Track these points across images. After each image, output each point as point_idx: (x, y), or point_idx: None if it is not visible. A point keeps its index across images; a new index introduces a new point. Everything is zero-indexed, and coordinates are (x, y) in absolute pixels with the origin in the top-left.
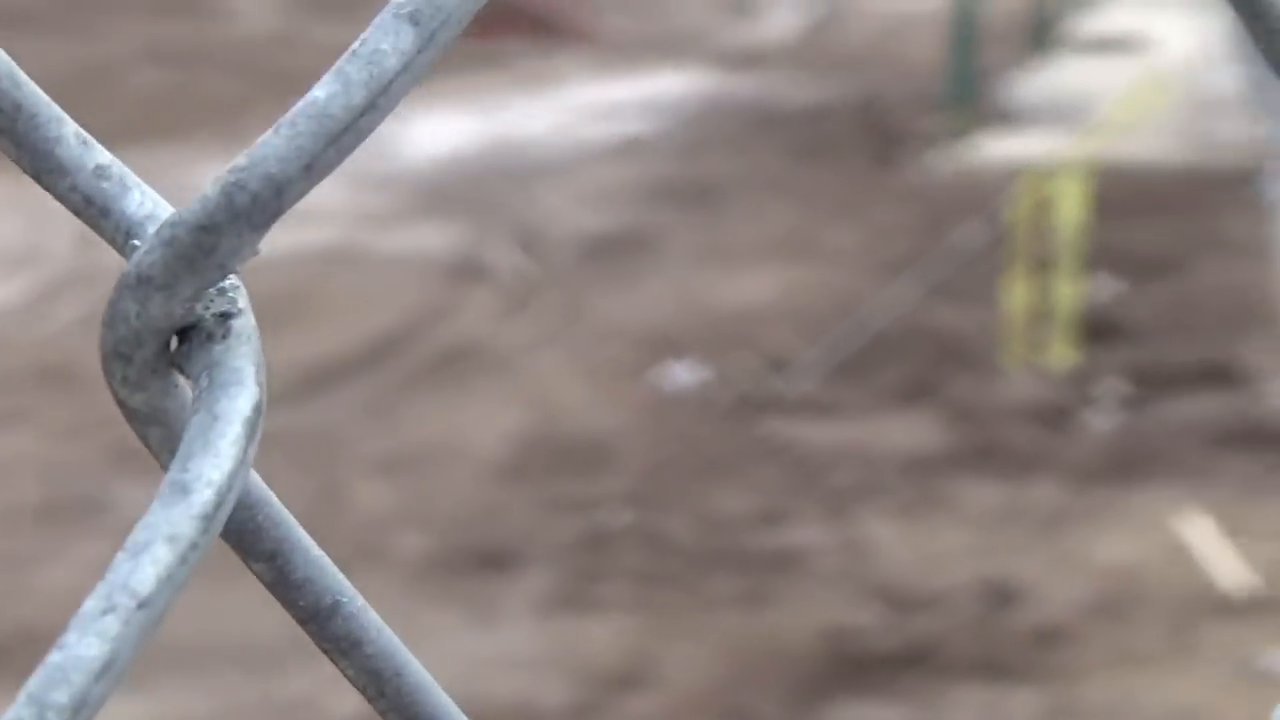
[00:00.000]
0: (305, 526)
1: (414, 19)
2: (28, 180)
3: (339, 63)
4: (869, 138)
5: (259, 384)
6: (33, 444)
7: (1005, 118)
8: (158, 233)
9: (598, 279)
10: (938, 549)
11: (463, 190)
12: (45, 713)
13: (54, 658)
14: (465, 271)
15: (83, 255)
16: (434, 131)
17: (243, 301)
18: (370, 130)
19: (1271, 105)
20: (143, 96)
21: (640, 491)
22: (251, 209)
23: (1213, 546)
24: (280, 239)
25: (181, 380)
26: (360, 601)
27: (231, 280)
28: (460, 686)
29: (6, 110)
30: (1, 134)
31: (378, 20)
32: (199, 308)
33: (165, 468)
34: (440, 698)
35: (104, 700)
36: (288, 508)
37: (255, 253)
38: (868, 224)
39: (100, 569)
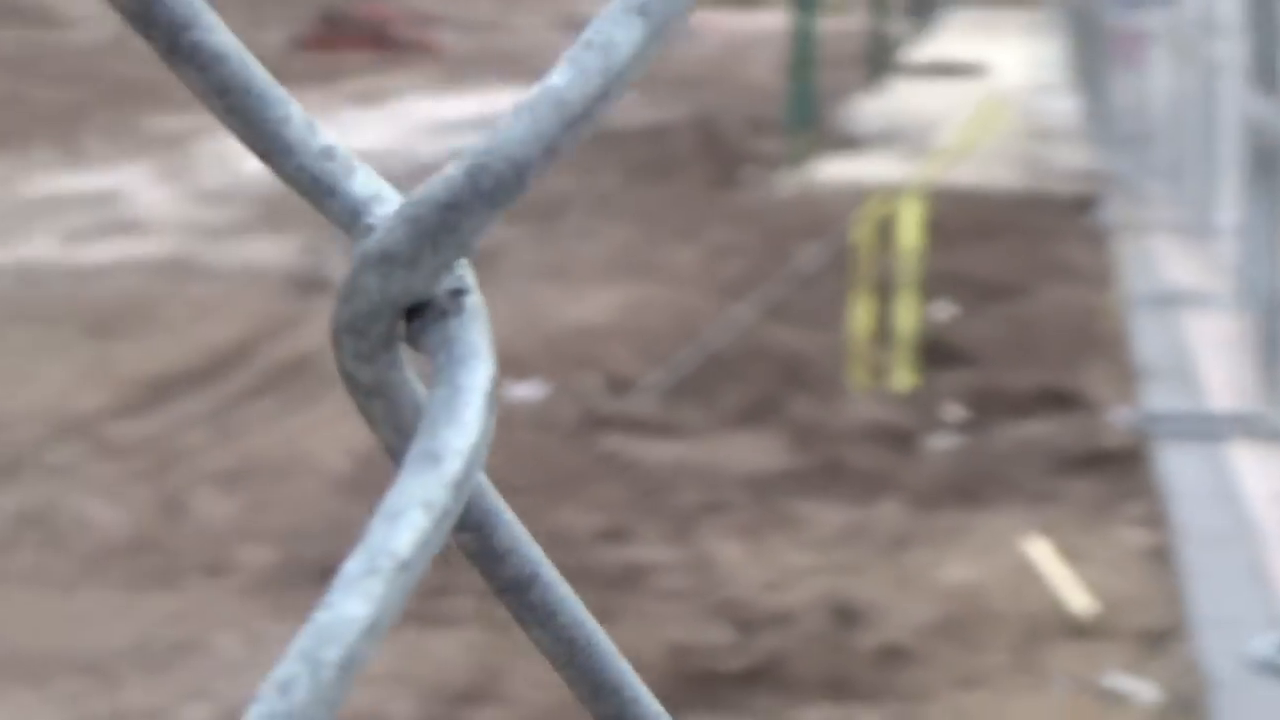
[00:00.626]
0: (146, 538)
1: (643, 10)
2: None
3: (572, 51)
4: (709, 158)
5: (493, 359)
6: None
7: (844, 141)
8: (400, 211)
9: None
10: (783, 568)
11: (299, 204)
12: (319, 669)
13: (322, 617)
14: (304, 284)
15: None
16: None
17: (470, 279)
18: (600, 117)
19: (1104, 133)
20: None
21: None
22: (495, 189)
23: (1054, 569)
24: (115, 250)
25: (404, 356)
26: (555, 573)
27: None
28: None
29: (236, 90)
30: (232, 114)
31: (608, 12)
32: (433, 284)
33: (384, 440)
34: (624, 668)
35: (369, 659)
36: (128, 519)
37: (488, 234)
38: (707, 244)
39: None
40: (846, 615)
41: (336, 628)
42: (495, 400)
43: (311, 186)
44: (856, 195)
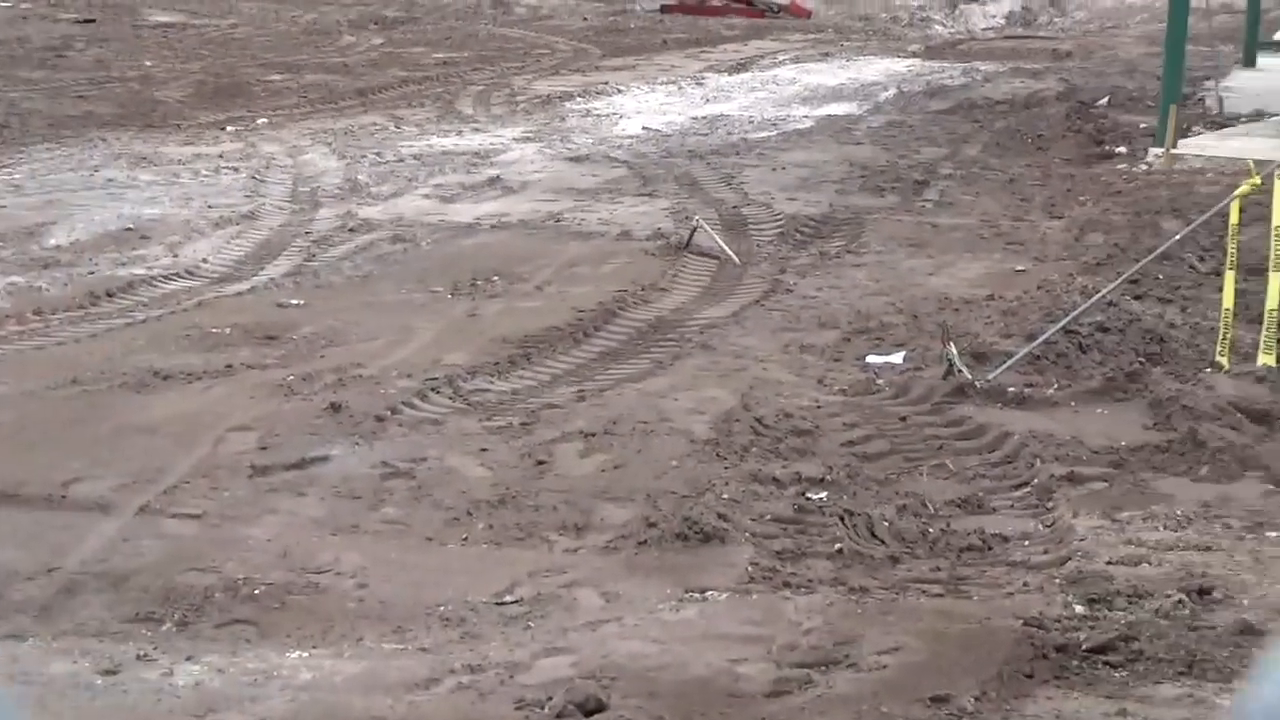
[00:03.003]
0: (509, 494)
1: None
2: None
3: None
4: (1077, 131)
5: None
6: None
7: (1217, 119)
8: None
9: (799, 260)
10: (1139, 543)
11: (666, 167)
12: None
13: None
14: (668, 248)
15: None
16: (638, 109)
17: None
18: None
19: None
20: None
21: (839, 472)
22: None
23: None
24: (486, 208)
25: None
26: None
27: None
28: (663, 656)
29: None
30: None
31: None
32: None
33: None
34: None
35: None
36: (492, 475)
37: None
38: (1073, 217)
39: (307, 526)
40: (1202, 593)
41: None
42: None
43: None
44: (1226, 173)
